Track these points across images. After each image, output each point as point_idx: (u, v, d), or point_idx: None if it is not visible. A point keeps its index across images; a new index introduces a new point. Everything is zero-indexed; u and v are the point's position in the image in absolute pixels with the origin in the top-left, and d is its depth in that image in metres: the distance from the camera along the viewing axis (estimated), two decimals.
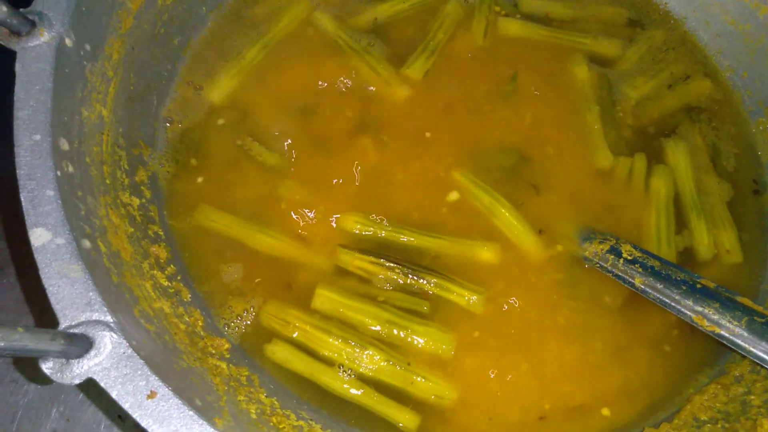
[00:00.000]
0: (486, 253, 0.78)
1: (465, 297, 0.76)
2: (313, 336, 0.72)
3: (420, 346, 0.73)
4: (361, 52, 0.90)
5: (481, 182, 0.82)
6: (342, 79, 0.89)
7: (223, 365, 0.65)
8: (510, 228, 0.80)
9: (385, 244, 0.78)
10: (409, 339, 0.73)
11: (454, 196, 0.82)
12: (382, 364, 0.71)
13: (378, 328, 0.73)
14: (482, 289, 0.76)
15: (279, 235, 0.78)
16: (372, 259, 0.76)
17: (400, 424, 0.71)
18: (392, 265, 0.76)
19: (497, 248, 0.79)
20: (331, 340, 0.71)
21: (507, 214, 0.80)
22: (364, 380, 0.71)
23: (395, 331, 0.73)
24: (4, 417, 0.78)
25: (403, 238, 0.78)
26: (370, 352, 0.71)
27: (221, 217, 0.78)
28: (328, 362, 0.72)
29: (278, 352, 0.72)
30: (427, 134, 0.86)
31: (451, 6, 0.96)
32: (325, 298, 0.74)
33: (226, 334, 0.72)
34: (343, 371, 0.71)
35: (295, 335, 0.72)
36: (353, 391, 0.70)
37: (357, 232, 0.79)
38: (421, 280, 0.76)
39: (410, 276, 0.76)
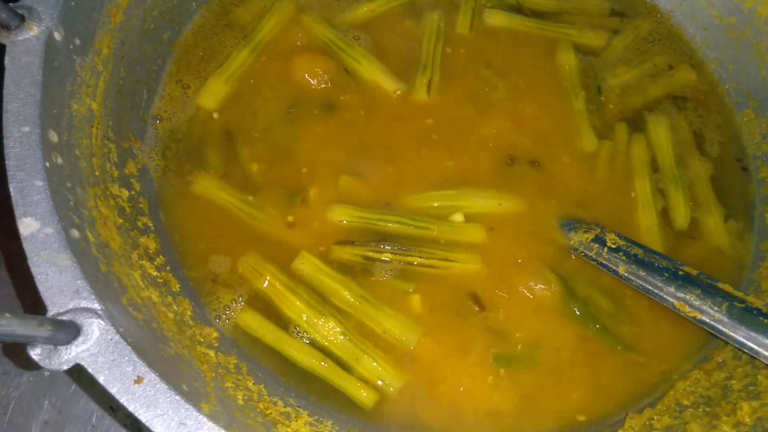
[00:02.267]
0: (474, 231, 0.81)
1: (463, 262, 0.78)
2: (279, 293, 0.75)
3: (385, 328, 0.75)
4: (346, 48, 0.90)
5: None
6: (328, 77, 0.89)
7: (211, 353, 0.66)
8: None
9: (377, 232, 0.80)
10: (378, 318, 0.75)
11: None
12: (339, 336, 0.73)
13: (351, 300, 0.75)
14: (477, 257, 0.79)
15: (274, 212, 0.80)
16: (368, 249, 0.78)
17: (359, 400, 0.72)
18: (388, 251, 0.78)
19: (482, 228, 0.81)
20: (295, 300, 0.74)
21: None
22: (317, 346, 0.73)
23: (365, 309, 0.75)
24: None
25: (391, 224, 0.80)
26: (329, 322, 0.73)
27: (219, 188, 0.80)
28: (287, 321, 0.74)
29: (248, 320, 0.74)
30: (417, 132, 0.87)
31: (428, 17, 0.95)
32: (307, 261, 0.76)
33: (215, 323, 0.73)
34: (299, 333, 0.74)
35: (264, 285, 0.75)
36: (313, 361, 0.72)
37: (345, 222, 0.80)
38: (417, 262, 0.78)
39: (407, 258, 0.78)
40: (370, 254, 0.78)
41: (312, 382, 0.73)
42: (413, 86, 0.89)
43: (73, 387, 0.81)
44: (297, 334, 0.74)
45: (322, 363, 0.73)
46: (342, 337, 0.73)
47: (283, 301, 0.75)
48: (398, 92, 0.89)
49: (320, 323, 0.73)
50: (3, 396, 0.80)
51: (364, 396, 0.72)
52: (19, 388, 0.80)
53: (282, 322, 0.75)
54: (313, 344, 0.73)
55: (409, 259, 0.77)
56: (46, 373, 0.81)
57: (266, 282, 0.75)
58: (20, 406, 0.79)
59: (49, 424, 0.79)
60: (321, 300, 0.75)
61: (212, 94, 0.86)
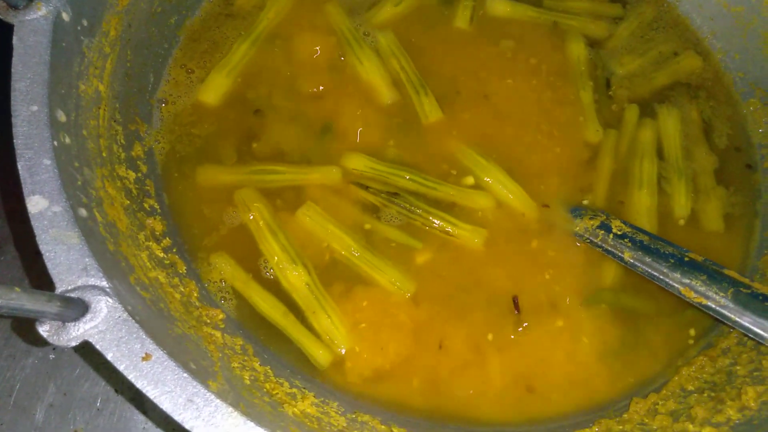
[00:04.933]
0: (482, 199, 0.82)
1: (468, 235, 0.80)
2: (260, 230, 0.77)
3: (378, 281, 0.77)
4: (354, 45, 0.90)
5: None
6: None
7: (218, 334, 0.66)
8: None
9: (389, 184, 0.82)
10: (374, 269, 0.77)
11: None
12: (304, 284, 0.75)
13: (345, 253, 0.77)
14: (484, 230, 0.80)
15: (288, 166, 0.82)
16: (377, 199, 0.80)
17: (314, 357, 0.73)
18: (395, 207, 0.80)
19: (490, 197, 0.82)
20: (272, 240, 0.76)
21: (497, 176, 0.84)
22: (279, 291, 0.75)
23: (362, 264, 0.77)
24: (2, 391, 0.79)
25: (403, 180, 0.81)
26: (297, 269, 0.75)
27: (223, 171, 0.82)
28: (259, 254, 0.77)
29: (220, 263, 0.76)
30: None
31: (383, 38, 0.92)
32: (311, 209, 0.78)
33: (221, 305, 0.74)
34: (266, 269, 0.76)
35: (249, 218, 0.78)
36: (278, 315, 0.74)
37: (360, 172, 0.82)
38: (427, 219, 0.80)
39: (416, 215, 0.80)
40: (377, 204, 0.80)
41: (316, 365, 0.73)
42: (422, 112, 0.87)
43: (78, 370, 0.81)
44: (264, 270, 0.76)
45: (284, 315, 0.74)
46: (306, 286, 0.75)
47: (261, 238, 0.77)
48: (389, 102, 0.88)
49: (288, 268, 0.75)
50: (8, 378, 0.80)
51: (319, 354, 0.73)
52: (24, 371, 0.80)
53: (254, 258, 0.77)
54: (276, 286, 0.75)
55: (414, 222, 0.80)
56: (51, 356, 0.81)
57: (251, 216, 0.77)
58: (25, 388, 0.80)
59: (54, 406, 0.79)
60: (297, 250, 0.77)
61: (214, 90, 0.86)
